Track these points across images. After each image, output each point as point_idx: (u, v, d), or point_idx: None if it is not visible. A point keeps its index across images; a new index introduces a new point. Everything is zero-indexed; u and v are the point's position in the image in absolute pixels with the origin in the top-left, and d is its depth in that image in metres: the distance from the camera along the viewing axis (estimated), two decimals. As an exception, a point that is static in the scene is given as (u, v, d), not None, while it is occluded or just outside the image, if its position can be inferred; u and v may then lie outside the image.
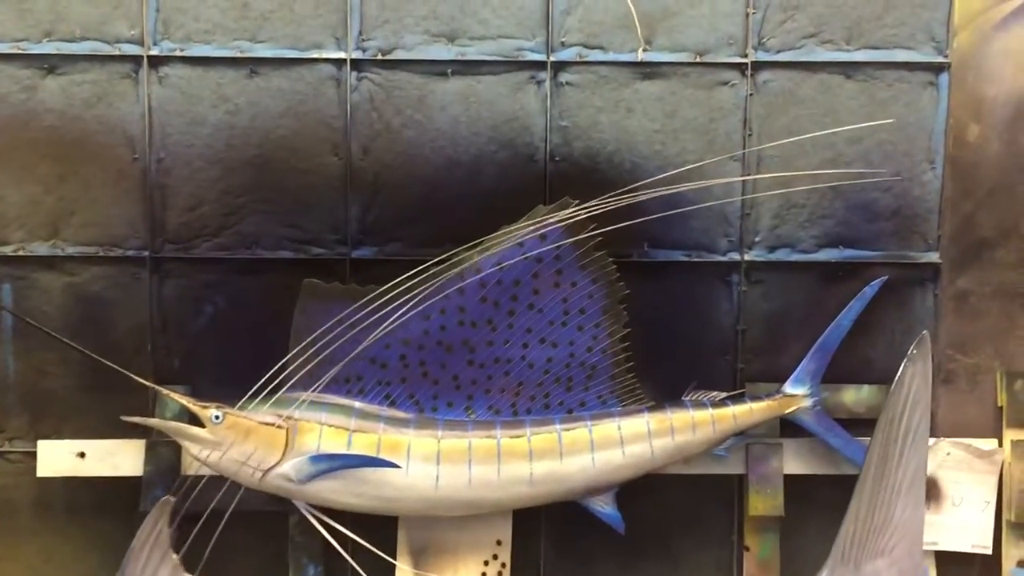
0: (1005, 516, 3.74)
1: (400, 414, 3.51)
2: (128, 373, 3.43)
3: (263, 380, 3.33)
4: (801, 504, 3.71)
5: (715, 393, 3.62)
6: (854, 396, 3.72)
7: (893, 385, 3.27)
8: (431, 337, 3.49)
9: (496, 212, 3.49)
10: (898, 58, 3.72)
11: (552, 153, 3.68)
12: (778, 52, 3.71)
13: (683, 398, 3.61)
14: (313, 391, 3.44)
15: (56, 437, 3.65)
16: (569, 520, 3.69)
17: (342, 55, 3.65)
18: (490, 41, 3.67)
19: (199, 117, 3.64)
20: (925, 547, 3.54)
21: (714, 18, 3.69)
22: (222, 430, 3.38)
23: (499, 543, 3.65)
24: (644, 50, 3.68)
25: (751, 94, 3.71)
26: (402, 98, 3.66)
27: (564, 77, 3.69)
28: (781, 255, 3.74)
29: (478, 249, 3.43)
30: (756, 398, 3.62)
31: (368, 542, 3.46)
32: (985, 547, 3.72)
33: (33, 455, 3.62)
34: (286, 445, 3.41)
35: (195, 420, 3.43)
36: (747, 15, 3.69)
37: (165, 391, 3.48)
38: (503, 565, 3.65)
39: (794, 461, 3.70)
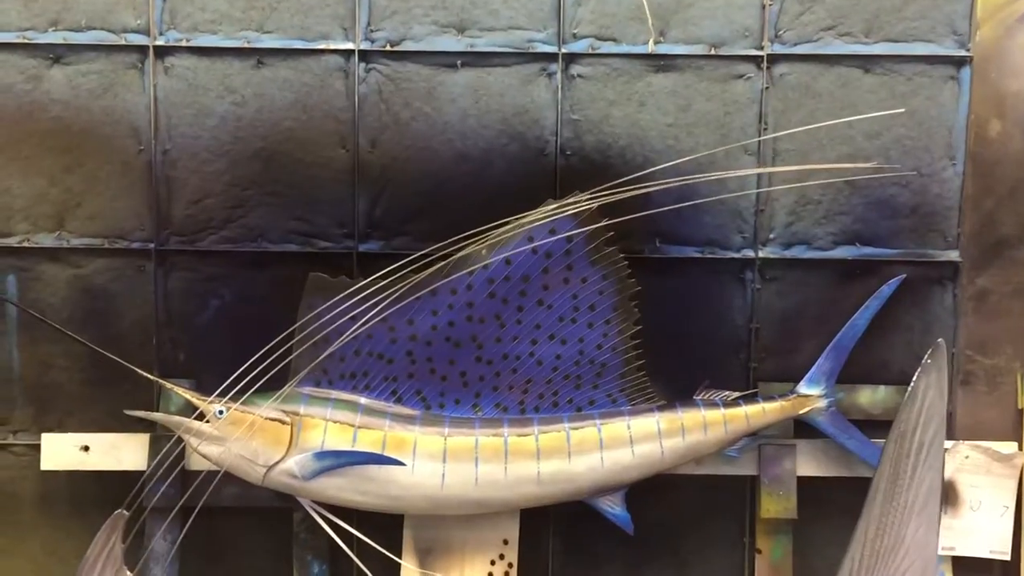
0: (1025, 521, 3.67)
1: (406, 410, 3.47)
2: (132, 366, 3.40)
3: (267, 375, 3.29)
4: (815, 507, 3.64)
5: (727, 392, 3.56)
6: (870, 397, 3.65)
7: (906, 396, 3.09)
8: (438, 333, 3.44)
9: (505, 207, 3.43)
10: (918, 51, 3.64)
11: (563, 147, 3.63)
12: (795, 45, 3.64)
13: (695, 397, 3.55)
14: (318, 386, 3.39)
15: (60, 430, 3.63)
16: (577, 520, 3.64)
17: (350, 46, 3.60)
18: (500, 32, 3.62)
19: (205, 108, 3.60)
20: (942, 552, 3.46)
21: (729, 9, 3.62)
22: (226, 425, 3.34)
23: (506, 543, 3.60)
24: (657, 42, 3.61)
25: (767, 87, 3.63)
26: (411, 90, 3.62)
27: (576, 69, 3.63)
28: (796, 252, 3.67)
29: (486, 243, 3.37)
30: (769, 398, 3.55)
31: (374, 540, 3.42)
32: (1004, 553, 3.64)
33: (37, 448, 3.60)
34: (290, 441, 3.37)
35: (200, 415, 3.40)
36: (763, 6, 3.62)
37: (169, 385, 3.46)
38: (510, 565, 3.60)
39: (808, 463, 3.63)
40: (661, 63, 3.63)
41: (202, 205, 3.62)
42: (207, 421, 3.36)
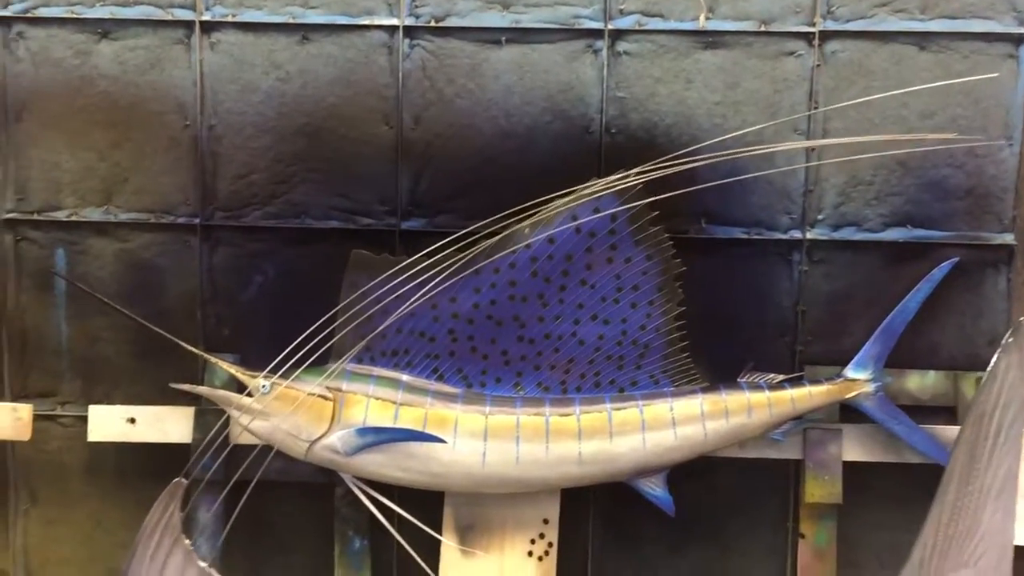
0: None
1: (448, 388, 3.46)
2: (178, 340, 3.44)
3: (313, 352, 3.30)
4: (861, 492, 3.58)
5: (772, 375, 3.51)
6: (919, 382, 3.58)
7: (985, 377, 3.02)
8: (480, 311, 3.43)
9: (548, 186, 3.40)
10: (975, 28, 3.54)
11: (608, 125, 3.58)
12: (848, 21, 3.56)
13: (739, 380, 3.51)
14: (360, 362, 3.40)
15: (107, 402, 3.67)
16: (618, 501, 3.63)
17: (394, 21, 3.58)
18: (546, 8, 3.57)
19: (251, 84, 3.61)
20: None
21: (780, -15, 3.55)
22: (269, 400, 3.37)
23: (546, 522, 3.59)
24: (707, 18, 3.55)
25: (818, 65, 3.56)
26: (455, 66, 3.59)
27: (622, 46, 3.58)
28: (846, 234, 3.60)
29: (530, 221, 3.34)
30: (816, 382, 3.50)
31: (414, 517, 3.43)
32: None
33: (84, 420, 3.65)
34: (333, 417, 3.39)
35: (244, 389, 3.42)
36: (816, -18, 3.54)
37: (214, 359, 3.49)
38: (550, 544, 3.59)
39: (854, 448, 3.57)
40: (709, 40, 3.57)
41: (247, 181, 3.64)
42: (251, 396, 3.39)
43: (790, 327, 3.63)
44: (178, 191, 3.65)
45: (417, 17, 3.59)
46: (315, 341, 3.23)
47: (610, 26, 3.57)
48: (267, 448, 3.39)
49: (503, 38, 3.58)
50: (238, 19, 3.60)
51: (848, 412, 3.56)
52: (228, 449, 3.42)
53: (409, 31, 3.58)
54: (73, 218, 3.67)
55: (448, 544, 3.57)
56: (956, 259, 3.54)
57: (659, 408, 3.44)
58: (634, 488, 3.50)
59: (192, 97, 3.61)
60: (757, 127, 3.49)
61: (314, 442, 3.39)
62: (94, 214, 3.67)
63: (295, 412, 3.36)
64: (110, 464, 3.74)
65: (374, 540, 3.63)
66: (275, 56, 3.60)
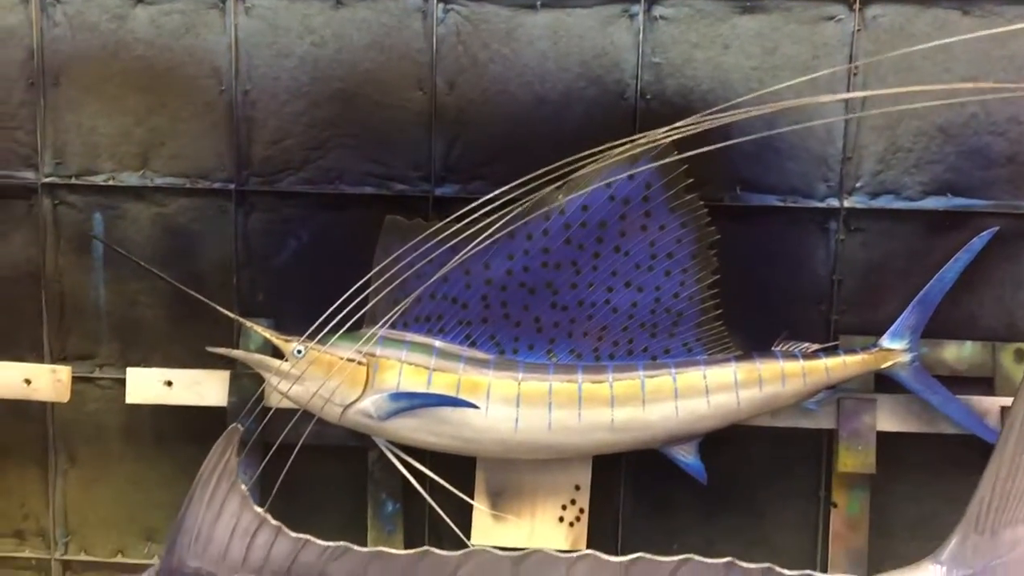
0: None
1: (480, 355, 3.47)
2: (213, 304, 3.47)
3: (347, 318, 3.31)
4: (895, 463, 3.56)
5: (807, 344, 3.49)
6: (956, 353, 3.55)
7: None
8: (514, 278, 3.43)
9: (583, 151, 3.36)
10: (1021, -9, 3.46)
11: (643, 91, 3.55)
12: (890, -16, 3.49)
13: (773, 348, 3.49)
14: (393, 328, 3.41)
15: (144, 365, 3.72)
16: (650, 468, 3.63)
17: (430, -14, 3.56)
18: (582, -28, 3.54)
19: (285, 49, 3.60)
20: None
21: (821, -52, 3.48)
22: (304, 364, 3.39)
23: (578, 488, 3.61)
24: (745, -19, 3.49)
25: (859, 30, 3.50)
26: (489, 31, 3.56)
27: (658, 11, 3.54)
28: (883, 202, 3.55)
29: (563, 187, 3.32)
30: (851, 351, 3.47)
31: (447, 481, 3.45)
32: None
33: (122, 382, 3.70)
34: (366, 382, 3.41)
35: (278, 353, 3.45)
36: (857, -56, 3.47)
37: (249, 323, 3.51)
38: (581, 511, 3.61)
39: (888, 418, 3.54)
40: (747, 4, 3.51)
41: (281, 146, 3.64)
42: (286, 360, 3.41)
43: (825, 296, 3.59)
44: (213, 156, 3.67)
45: (452, -19, 3.56)
46: (350, 308, 3.24)
47: (647, -10, 3.53)
48: (306, 414, 3.41)
49: (538, 2, 3.55)
50: (272, -17, 3.59)
51: (883, 382, 3.53)
52: (265, 412, 3.45)
53: (443, -5, 3.56)
54: (110, 183, 3.70)
55: (480, 508, 3.60)
56: (996, 228, 3.48)
57: (692, 376, 3.43)
58: (666, 455, 3.50)
59: (227, 62, 3.62)
60: (800, 80, 3.36)
61: (348, 406, 3.42)
62: (131, 179, 3.70)
63: (329, 377, 3.39)
64: (147, 426, 3.80)
65: (406, 503, 3.67)
66: (309, 21, 3.59)
